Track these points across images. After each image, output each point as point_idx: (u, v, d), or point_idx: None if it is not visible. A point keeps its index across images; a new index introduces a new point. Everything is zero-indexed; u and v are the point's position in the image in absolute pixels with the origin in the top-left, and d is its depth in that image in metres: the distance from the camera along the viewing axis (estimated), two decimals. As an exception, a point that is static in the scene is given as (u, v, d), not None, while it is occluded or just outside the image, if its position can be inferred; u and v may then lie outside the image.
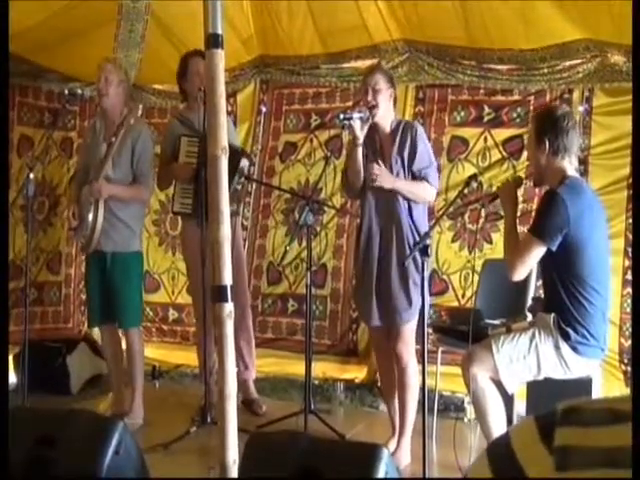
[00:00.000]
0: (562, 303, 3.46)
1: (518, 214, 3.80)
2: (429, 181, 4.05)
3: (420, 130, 4.17)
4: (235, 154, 4.56)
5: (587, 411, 0.70)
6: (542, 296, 3.94)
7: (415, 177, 4.06)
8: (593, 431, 0.68)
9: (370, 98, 4.05)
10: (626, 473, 0.64)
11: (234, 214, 4.76)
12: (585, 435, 0.68)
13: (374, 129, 4.11)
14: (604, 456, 0.66)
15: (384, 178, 3.99)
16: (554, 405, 0.72)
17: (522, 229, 3.98)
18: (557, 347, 3.45)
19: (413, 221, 4.05)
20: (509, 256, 3.53)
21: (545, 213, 3.45)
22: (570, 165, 3.53)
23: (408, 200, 4.04)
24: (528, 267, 3.50)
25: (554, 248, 3.39)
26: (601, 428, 0.68)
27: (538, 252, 3.43)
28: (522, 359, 3.49)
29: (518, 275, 3.51)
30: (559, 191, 3.40)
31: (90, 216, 4.54)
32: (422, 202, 4.11)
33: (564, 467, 0.67)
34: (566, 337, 3.44)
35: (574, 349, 3.44)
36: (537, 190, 4.86)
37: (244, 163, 4.76)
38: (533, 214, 4.74)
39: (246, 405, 5.01)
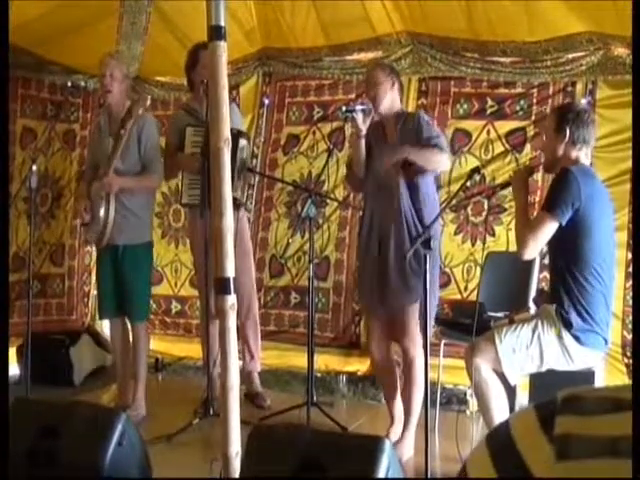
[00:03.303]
0: (566, 286, 3.47)
1: None
2: (440, 147, 4.00)
3: (422, 115, 4.19)
4: (232, 137, 4.57)
5: (588, 399, 0.70)
6: (546, 289, 3.94)
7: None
8: (594, 420, 0.68)
9: (374, 93, 4.06)
10: (627, 462, 0.64)
11: (239, 205, 4.76)
12: (586, 423, 0.68)
13: (378, 120, 4.12)
14: (605, 445, 0.66)
15: (390, 158, 3.97)
16: (554, 394, 0.72)
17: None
18: (560, 337, 3.46)
19: (416, 209, 4.05)
20: (520, 233, 3.51)
21: (557, 188, 3.46)
22: (586, 158, 3.58)
23: (410, 188, 4.03)
24: (540, 244, 3.48)
25: (564, 222, 3.39)
26: (602, 417, 0.68)
27: (550, 228, 3.42)
28: (525, 350, 3.49)
29: (529, 252, 3.49)
30: (572, 169, 3.43)
31: (102, 211, 4.54)
32: (436, 169, 4.09)
33: (564, 456, 0.67)
34: (569, 326, 3.44)
35: (577, 338, 3.45)
36: (540, 183, 4.87)
37: (242, 143, 4.76)
38: (536, 206, 4.76)
39: (250, 398, 5.00)
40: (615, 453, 0.65)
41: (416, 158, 3.95)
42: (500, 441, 0.74)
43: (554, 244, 3.52)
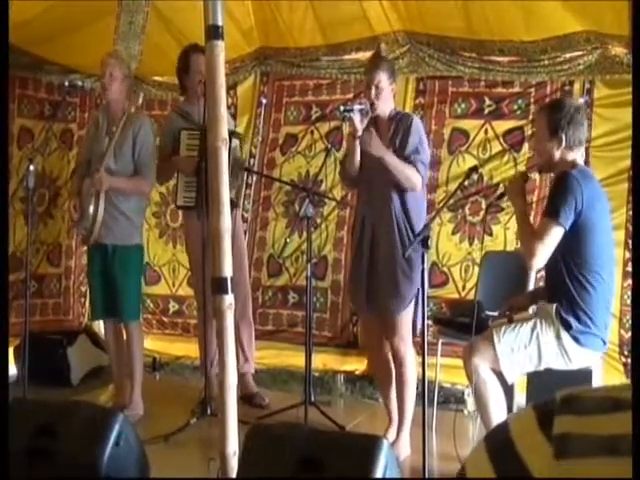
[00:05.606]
0: (566, 289, 3.46)
1: None
2: (417, 168, 3.97)
3: (416, 121, 4.12)
4: None
5: (587, 399, 0.70)
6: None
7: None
8: (593, 419, 0.68)
9: (373, 96, 4.03)
10: (626, 461, 0.64)
11: (234, 205, 4.76)
12: (585, 423, 0.68)
13: (372, 119, 4.11)
14: (604, 444, 0.66)
15: (374, 145, 3.94)
16: (553, 394, 0.72)
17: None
18: (558, 337, 3.46)
19: (406, 213, 4.03)
20: (527, 243, 3.48)
21: (559, 194, 3.43)
22: (581, 157, 3.58)
23: (401, 191, 4.01)
24: (548, 251, 3.42)
25: (568, 227, 3.38)
26: (601, 416, 0.68)
27: (557, 234, 3.39)
28: (523, 349, 3.49)
29: (538, 261, 3.45)
30: (573, 172, 3.42)
31: (91, 208, 4.55)
32: (406, 185, 3.98)
33: (563, 455, 0.67)
34: (567, 327, 3.44)
35: (575, 339, 3.45)
36: (537, 182, 4.87)
37: (234, 143, 4.75)
38: (534, 205, 4.77)
39: (246, 400, 4.97)
40: (614, 452, 0.65)
41: (390, 165, 3.92)
42: (499, 441, 0.74)
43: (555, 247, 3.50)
